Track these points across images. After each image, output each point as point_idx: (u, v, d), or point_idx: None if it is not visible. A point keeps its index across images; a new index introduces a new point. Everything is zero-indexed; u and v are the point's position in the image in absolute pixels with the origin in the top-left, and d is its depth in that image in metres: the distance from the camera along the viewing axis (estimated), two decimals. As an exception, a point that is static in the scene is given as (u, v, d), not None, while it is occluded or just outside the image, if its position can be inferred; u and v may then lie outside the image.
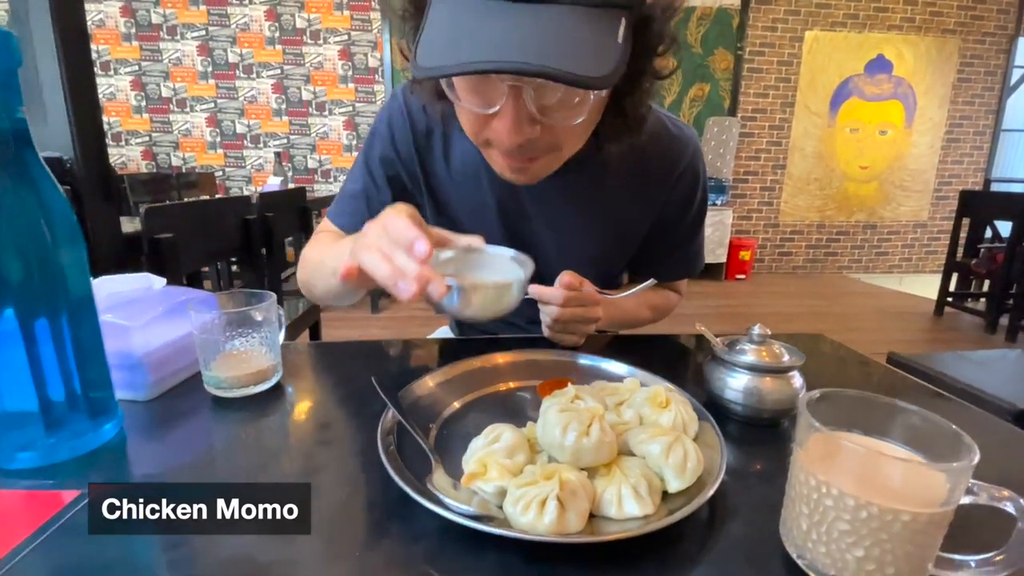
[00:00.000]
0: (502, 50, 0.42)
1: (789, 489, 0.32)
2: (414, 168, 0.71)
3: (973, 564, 0.28)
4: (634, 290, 0.61)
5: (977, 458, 0.26)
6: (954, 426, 0.28)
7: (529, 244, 0.73)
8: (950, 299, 3.54)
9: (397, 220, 0.42)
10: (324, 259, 0.62)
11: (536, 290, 0.60)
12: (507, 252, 0.50)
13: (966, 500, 0.27)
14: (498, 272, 0.48)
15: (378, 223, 0.44)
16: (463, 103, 0.50)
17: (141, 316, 0.51)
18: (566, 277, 0.59)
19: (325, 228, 0.76)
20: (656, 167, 0.69)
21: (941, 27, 4.52)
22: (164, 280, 0.60)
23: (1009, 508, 0.27)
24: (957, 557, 0.29)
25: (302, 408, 0.52)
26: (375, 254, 0.42)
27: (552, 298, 0.59)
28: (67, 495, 0.37)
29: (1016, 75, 4.72)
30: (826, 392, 0.32)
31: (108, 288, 0.55)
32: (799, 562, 0.30)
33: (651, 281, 0.61)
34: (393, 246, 0.42)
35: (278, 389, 0.54)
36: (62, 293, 0.42)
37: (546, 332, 0.63)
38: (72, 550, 0.31)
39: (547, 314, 0.61)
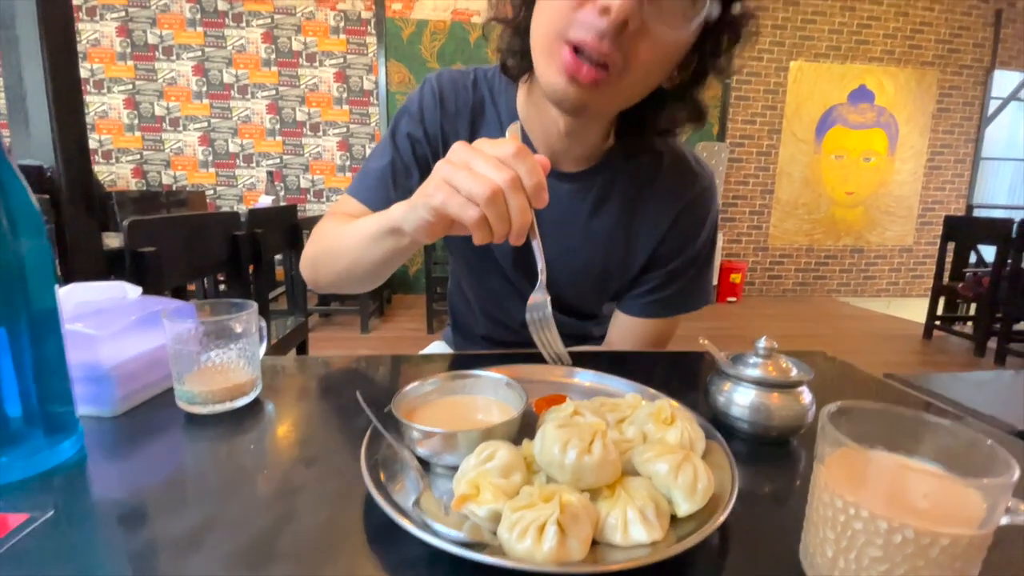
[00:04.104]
0: None
1: (810, 512, 0.29)
2: (438, 148, 0.70)
3: (1017, 594, 0.25)
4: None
5: (1017, 474, 0.24)
6: (990, 440, 0.26)
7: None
8: (938, 322, 3.57)
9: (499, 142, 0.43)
10: (345, 232, 0.61)
11: None
12: (502, 379, 0.46)
13: (1004, 520, 0.25)
14: (492, 403, 0.46)
15: (461, 151, 0.43)
16: None
17: (111, 326, 0.48)
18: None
19: (340, 209, 0.72)
20: (666, 190, 0.69)
21: (920, 59, 4.68)
22: (140, 289, 0.57)
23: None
24: (997, 587, 0.26)
25: (281, 425, 0.49)
26: (477, 180, 0.41)
27: None
28: (14, 519, 0.33)
29: (993, 106, 4.88)
30: (845, 405, 0.30)
31: (78, 296, 0.52)
32: (824, 593, 0.28)
33: None
34: (502, 164, 0.41)
35: (256, 405, 0.50)
36: (22, 295, 0.38)
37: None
38: (11, 582, 0.28)
39: None
